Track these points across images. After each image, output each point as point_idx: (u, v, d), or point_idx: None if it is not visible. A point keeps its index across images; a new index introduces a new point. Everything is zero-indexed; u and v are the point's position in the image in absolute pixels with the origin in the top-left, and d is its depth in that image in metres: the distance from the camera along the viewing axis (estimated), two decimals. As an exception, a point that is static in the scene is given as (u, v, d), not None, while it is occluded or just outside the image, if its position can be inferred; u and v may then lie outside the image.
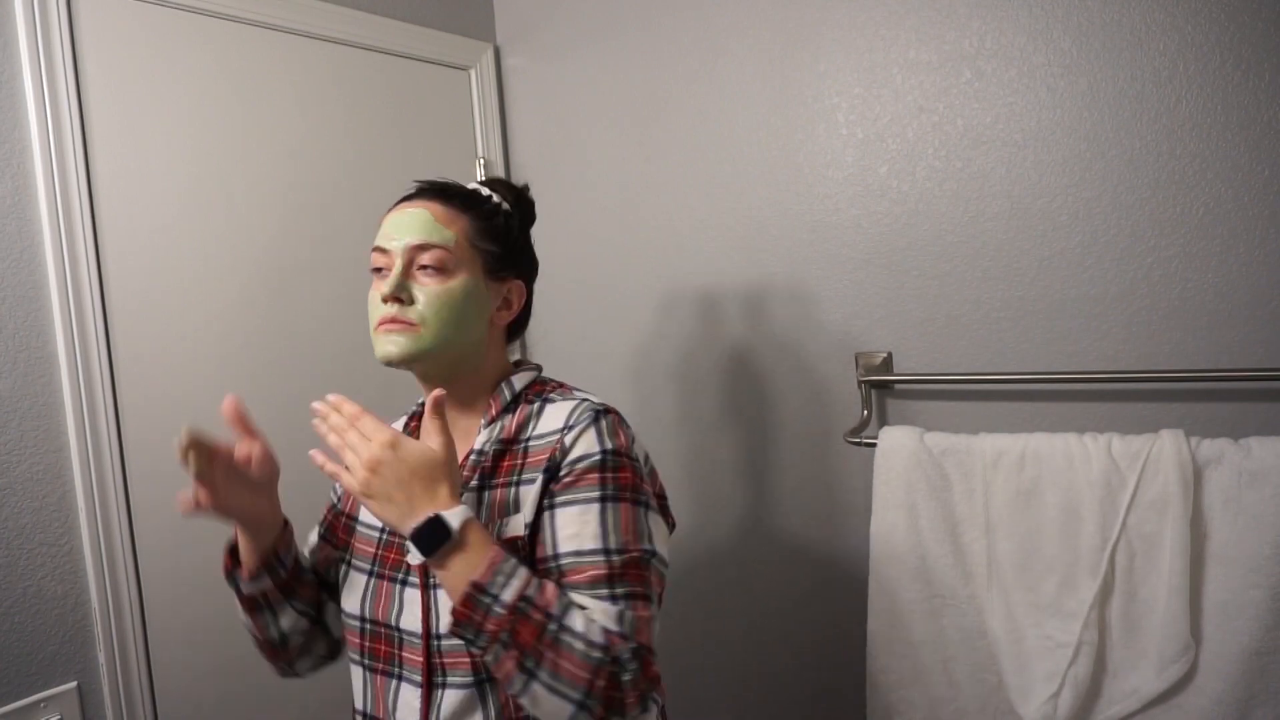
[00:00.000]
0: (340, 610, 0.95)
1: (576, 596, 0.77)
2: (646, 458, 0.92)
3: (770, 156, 1.47)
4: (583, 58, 1.68)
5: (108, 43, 1.23)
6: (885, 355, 1.38)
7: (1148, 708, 1.10)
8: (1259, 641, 1.02)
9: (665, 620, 1.68)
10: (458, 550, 0.74)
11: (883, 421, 1.39)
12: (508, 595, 0.71)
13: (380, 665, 0.88)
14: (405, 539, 0.75)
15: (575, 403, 0.89)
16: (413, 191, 0.93)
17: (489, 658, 0.72)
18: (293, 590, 0.93)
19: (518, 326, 0.99)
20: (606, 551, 0.78)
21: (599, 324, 1.70)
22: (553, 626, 0.71)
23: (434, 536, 0.73)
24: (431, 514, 0.74)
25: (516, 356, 1.02)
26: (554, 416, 0.88)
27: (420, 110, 1.65)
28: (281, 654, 0.96)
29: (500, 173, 1.78)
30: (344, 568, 0.95)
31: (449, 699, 0.82)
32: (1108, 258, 1.20)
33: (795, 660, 1.53)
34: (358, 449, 0.76)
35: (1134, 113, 1.17)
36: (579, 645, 0.70)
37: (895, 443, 1.26)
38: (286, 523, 0.92)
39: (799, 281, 1.46)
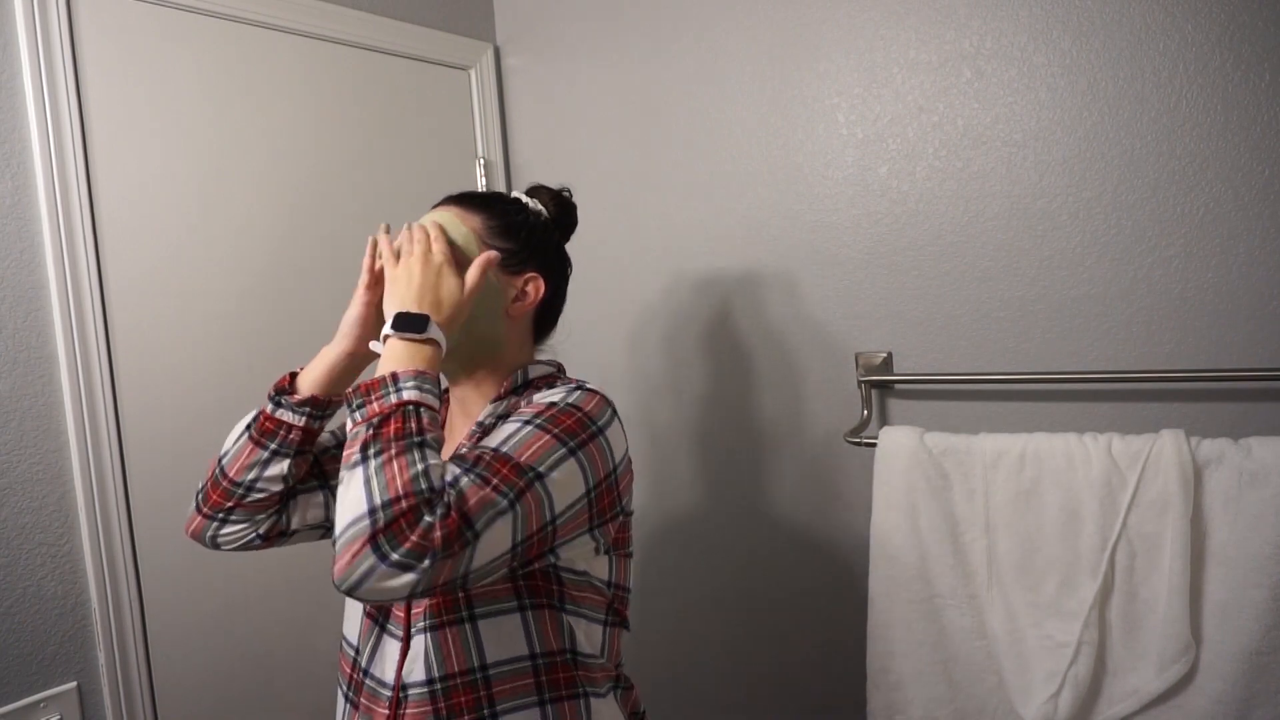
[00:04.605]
0: (307, 513, 0.99)
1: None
2: (628, 460, 0.91)
3: (770, 156, 1.47)
4: (582, 57, 1.68)
5: (108, 43, 1.23)
6: (885, 355, 1.38)
7: (1148, 707, 1.10)
8: (1259, 641, 1.02)
9: (662, 619, 1.68)
10: (408, 346, 0.81)
11: (883, 421, 1.39)
12: (406, 395, 0.76)
13: (371, 607, 0.93)
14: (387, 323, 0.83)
15: (572, 384, 0.92)
16: (440, 200, 0.99)
17: (353, 430, 0.75)
18: (305, 447, 0.95)
19: (546, 322, 1.02)
20: (494, 450, 0.78)
21: (597, 326, 1.70)
22: (415, 439, 0.73)
23: (410, 325, 0.82)
24: (425, 315, 0.83)
25: (547, 356, 1.04)
26: (548, 392, 0.90)
27: (420, 110, 1.65)
28: (233, 498, 0.93)
29: (499, 173, 1.78)
30: None
31: (421, 649, 0.85)
32: (1108, 258, 1.20)
33: (795, 660, 1.53)
34: (425, 242, 0.88)
35: (1134, 113, 1.17)
36: (418, 467, 0.71)
37: (895, 443, 1.26)
38: (336, 400, 0.97)
39: (799, 281, 1.46)
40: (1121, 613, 1.12)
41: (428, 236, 0.89)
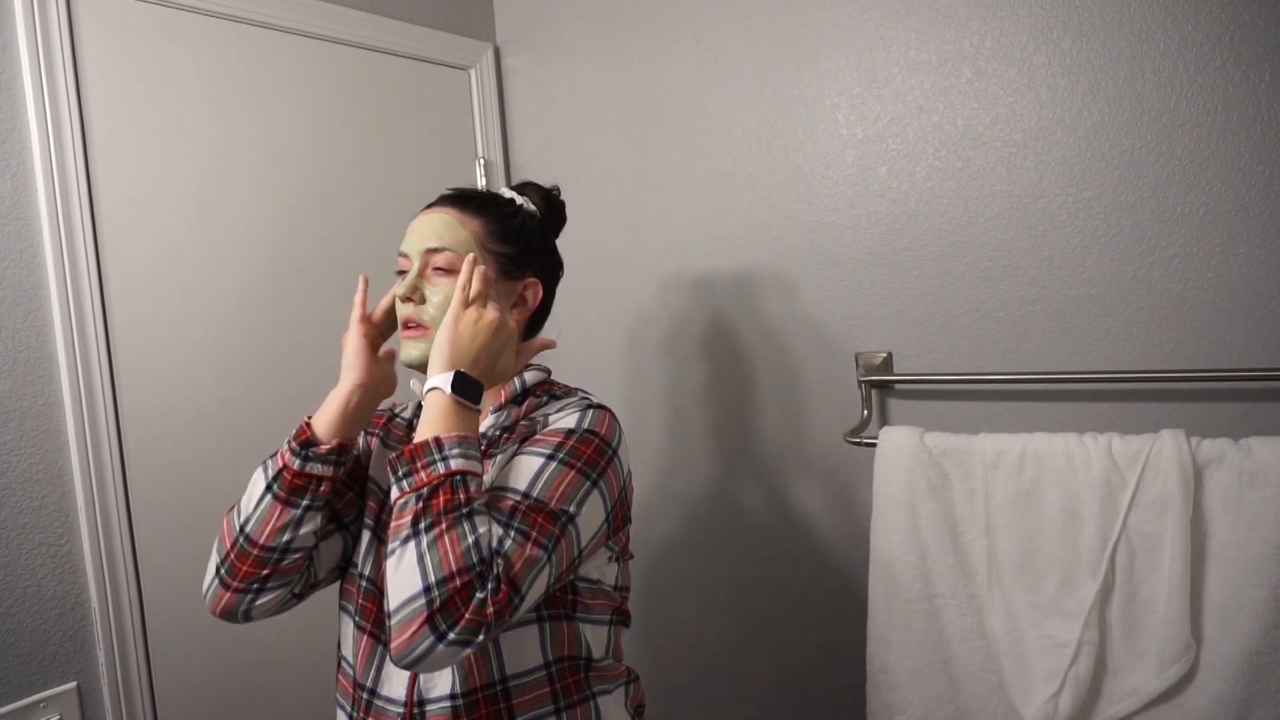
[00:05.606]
0: (327, 558, 0.97)
1: None
2: (629, 470, 0.93)
3: (770, 156, 1.47)
4: (582, 57, 1.68)
5: (108, 43, 1.23)
6: (885, 355, 1.38)
7: (1148, 707, 1.10)
8: (1259, 641, 1.02)
9: (662, 620, 1.68)
10: (457, 409, 0.80)
11: (883, 421, 1.39)
12: (453, 464, 0.76)
13: (369, 626, 0.91)
14: (434, 377, 0.83)
15: (576, 398, 0.93)
16: (435, 199, 0.97)
17: (400, 500, 0.75)
18: (331, 496, 0.91)
19: (535, 324, 1.01)
20: (526, 495, 0.79)
21: (596, 326, 1.70)
22: (463, 510, 0.73)
23: (468, 392, 0.82)
24: (480, 385, 0.83)
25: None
26: (555, 407, 0.91)
27: (420, 110, 1.65)
28: (268, 565, 0.87)
29: (499, 173, 1.78)
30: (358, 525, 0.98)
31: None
32: (1108, 258, 1.20)
33: (795, 660, 1.53)
34: (499, 307, 0.88)
35: (1134, 113, 1.17)
36: (469, 540, 0.71)
37: (895, 443, 1.26)
38: (355, 441, 0.94)
39: (799, 281, 1.46)
40: (1121, 613, 1.12)
41: (489, 296, 0.89)
